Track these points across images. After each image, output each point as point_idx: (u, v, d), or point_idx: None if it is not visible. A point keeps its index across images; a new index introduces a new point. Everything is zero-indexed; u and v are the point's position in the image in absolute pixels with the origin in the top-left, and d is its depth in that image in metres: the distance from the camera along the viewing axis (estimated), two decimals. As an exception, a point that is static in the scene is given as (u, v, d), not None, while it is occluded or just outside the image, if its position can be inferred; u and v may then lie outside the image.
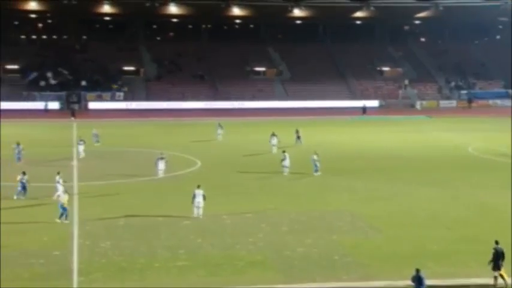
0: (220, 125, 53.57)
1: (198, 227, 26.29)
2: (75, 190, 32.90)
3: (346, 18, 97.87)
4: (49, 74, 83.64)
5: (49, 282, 20.13)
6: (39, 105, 77.84)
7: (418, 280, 18.70)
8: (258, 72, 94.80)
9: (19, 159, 40.47)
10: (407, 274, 19.42)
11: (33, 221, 26.70)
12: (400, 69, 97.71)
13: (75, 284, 19.96)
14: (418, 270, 18.83)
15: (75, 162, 40.87)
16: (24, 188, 30.83)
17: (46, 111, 74.45)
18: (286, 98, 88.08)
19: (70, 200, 27.94)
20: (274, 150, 45.14)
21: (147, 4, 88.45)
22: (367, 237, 25.41)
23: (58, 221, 26.27)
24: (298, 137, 49.66)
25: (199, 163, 41.99)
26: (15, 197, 30.51)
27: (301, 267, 21.91)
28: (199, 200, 27.47)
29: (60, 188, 29.93)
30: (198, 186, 27.80)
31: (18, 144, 41.01)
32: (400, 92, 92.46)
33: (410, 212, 29.51)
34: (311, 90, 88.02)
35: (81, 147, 42.93)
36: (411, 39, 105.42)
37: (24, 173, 31.24)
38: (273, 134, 46.74)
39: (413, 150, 48.74)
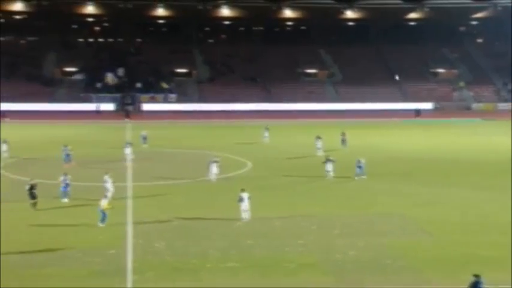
0: (266, 128, 53.67)
1: (249, 229, 26.51)
2: (129, 190, 33.65)
3: (399, 19, 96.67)
4: (110, 77, 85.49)
5: (105, 279, 20.69)
6: (94, 106, 79.83)
7: (476, 287, 17.80)
8: (309, 74, 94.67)
9: (67, 160, 40.70)
10: (462, 280, 19.08)
11: (86, 221, 27.23)
12: (455, 71, 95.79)
13: (129, 283, 20.42)
14: (477, 276, 17.88)
15: (128, 163, 41.73)
16: (66, 188, 30.62)
17: (98, 113, 76.08)
18: (337, 100, 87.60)
19: (115, 203, 28.48)
20: (319, 153, 44.94)
21: (200, 7, 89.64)
22: (419, 241, 25.08)
23: (100, 225, 26.46)
24: (344, 140, 49.03)
25: (249, 165, 42.32)
26: (62, 200, 30.43)
27: (353, 270, 21.83)
28: (245, 203, 27.53)
29: (109, 188, 30.61)
30: (243, 190, 27.82)
31: (65, 146, 41.41)
32: (455, 94, 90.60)
33: (463, 216, 28.97)
34: (362, 92, 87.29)
35: (128, 150, 43.34)
36: (467, 40, 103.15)
37: (66, 174, 31.22)
38: (318, 137, 46.48)
39: (468, 153, 47.76)
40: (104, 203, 26.61)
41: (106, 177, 31.45)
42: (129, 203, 30.81)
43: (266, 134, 53.14)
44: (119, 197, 31.79)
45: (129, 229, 26.33)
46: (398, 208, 30.54)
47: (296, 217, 28.60)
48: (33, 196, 29.08)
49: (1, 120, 65.55)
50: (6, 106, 74.93)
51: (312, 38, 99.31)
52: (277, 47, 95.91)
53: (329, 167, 36.85)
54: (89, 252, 23.16)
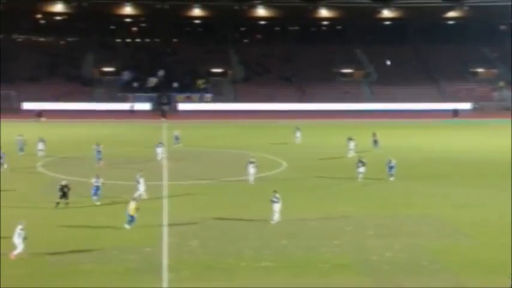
0: (298, 128, 53.38)
1: (283, 229, 26.46)
2: (165, 190, 33.95)
3: (438, 18, 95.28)
4: (152, 80, 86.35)
5: (141, 277, 20.91)
6: (128, 106, 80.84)
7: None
8: (345, 74, 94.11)
9: (99, 160, 40.64)
10: (501, 283, 18.69)
11: (121, 219, 27.34)
12: (495, 71, 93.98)
13: (165, 281, 20.60)
14: None
15: (164, 163, 42.10)
16: (97, 191, 30.20)
17: (132, 113, 76.79)
18: (373, 100, 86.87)
19: (148, 202, 28.70)
20: (351, 154, 44.51)
21: (236, 7, 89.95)
22: (457, 244, 24.67)
23: (127, 226, 26.01)
24: (375, 141, 48.31)
25: (284, 164, 42.27)
26: (96, 203, 30.23)
27: (389, 271, 21.59)
28: (277, 205, 27.22)
29: (141, 187, 30.78)
30: (275, 191, 27.58)
31: (98, 144, 41.36)
32: (495, 94, 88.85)
33: (501, 218, 28.34)
34: (399, 92, 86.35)
35: (160, 150, 43.00)
36: (508, 39, 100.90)
37: (97, 176, 30.66)
38: (350, 138, 45.93)
39: (506, 155, 46.65)
40: (131, 206, 26.11)
41: (138, 176, 31.43)
42: (165, 202, 31.09)
43: (298, 134, 52.89)
44: (154, 196, 32.13)
45: (165, 228, 26.56)
46: (434, 209, 30.10)
47: (330, 218, 28.44)
48: (64, 195, 29.35)
49: (37, 119, 66.88)
50: (45, 105, 76.59)
51: (348, 38, 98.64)
52: (312, 46, 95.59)
53: (361, 169, 36.27)
54: (125, 250, 23.43)
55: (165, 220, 27.66)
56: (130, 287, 20.01)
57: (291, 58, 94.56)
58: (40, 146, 43.87)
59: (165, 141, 46.57)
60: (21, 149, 44.37)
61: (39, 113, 69.09)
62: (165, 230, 26.19)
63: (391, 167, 36.59)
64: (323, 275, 21.46)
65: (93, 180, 30.53)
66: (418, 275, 21.28)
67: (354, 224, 27.39)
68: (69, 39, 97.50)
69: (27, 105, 75.65)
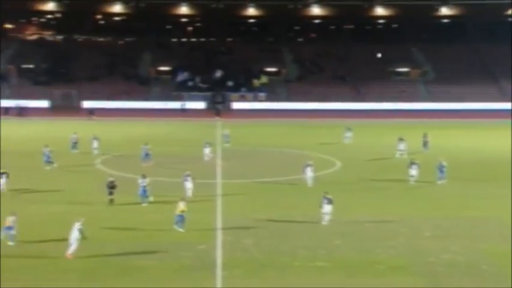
0: (348, 128, 52.63)
1: (337, 229, 26.27)
2: (218, 188, 34.22)
3: (499, 16, 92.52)
4: (199, 79, 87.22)
5: (195, 274, 21.15)
6: (185, 104, 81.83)
7: None
8: (401, 73, 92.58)
9: (146, 159, 40.19)
10: None
11: (172, 217, 27.85)
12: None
13: (219, 278, 20.78)
14: None
15: (218, 161, 42.42)
16: (144, 192, 29.90)
17: (183, 111, 77.65)
18: (430, 100, 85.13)
19: (198, 203, 28.81)
20: (401, 155, 43.67)
21: (291, 6, 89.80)
22: (518, 248, 23.90)
23: (176, 228, 25.59)
24: (425, 142, 46.86)
25: (338, 164, 41.97)
26: (143, 204, 29.85)
27: (446, 274, 21.14)
28: (328, 206, 26.72)
29: (188, 187, 30.83)
30: (326, 193, 27.17)
31: (146, 144, 41.08)
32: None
33: None
34: (457, 91, 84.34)
35: (207, 150, 42.54)
36: None
37: (144, 176, 30.27)
38: (401, 139, 44.97)
39: None
40: (181, 206, 25.72)
41: (185, 176, 31.39)
42: (219, 200, 31.34)
43: (348, 134, 52.12)
44: (208, 194, 32.42)
45: (218, 225, 26.77)
46: (494, 212, 29.28)
47: (384, 219, 28.06)
48: (111, 192, 29.72)
49: (90, 118, 68.33)
50: (103, 104, 78.52)
51: (404, 36, 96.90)
52: (367, 45, 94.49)
53: (413, 171, 35.10)
54: (180, 247, 23.72)
55: (219, 218, 27.88)
56: (185, 284, 20.22)
57: (346, 57, 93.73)
58: (95, 144, 44.61)
59: (218, 140, 46.80)
60: (74, 147, 45.10)
61: (91, 111, 70.61)
62: (219, 228, 26.40)
63: (441, 170, 35.47)
64: (378, 276, 21.20)
65: (139, 180, 30.16)
66: (477, 279, 20.75)
67: (409, 226, 26.94)
68: (127, 39, 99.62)
69: (86, 104, 77.59)
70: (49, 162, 39.00)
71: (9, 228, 23.35)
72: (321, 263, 22.37)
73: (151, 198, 30.14)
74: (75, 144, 45.17)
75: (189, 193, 30.87)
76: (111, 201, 29.81)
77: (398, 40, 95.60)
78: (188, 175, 31.51)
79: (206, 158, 42.12)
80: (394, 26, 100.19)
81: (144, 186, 29.85)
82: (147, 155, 40.54)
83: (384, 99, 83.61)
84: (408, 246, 24.22)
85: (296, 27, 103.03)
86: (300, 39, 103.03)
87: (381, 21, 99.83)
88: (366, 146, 50.25)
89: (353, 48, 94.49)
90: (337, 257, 23.04)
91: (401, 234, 25.70)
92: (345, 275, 21.26)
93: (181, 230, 25.46)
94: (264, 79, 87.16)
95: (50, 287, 19.85)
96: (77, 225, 22.12)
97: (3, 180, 31.97)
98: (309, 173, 34.62)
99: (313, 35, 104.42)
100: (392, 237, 25.23)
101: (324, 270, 21.66)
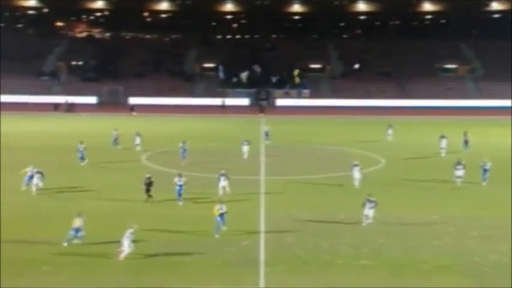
0: (390, 125, 51.78)
1: (381, 227, 25.98)
2: (262, 185, 34.26)
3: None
4: (244, 76, 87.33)
5: (238, 269, 21.27)
6: (230, 101, 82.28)
7: None
8: (448, 70, 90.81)
9: (183, 156, 39.91)
10: None
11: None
12: None
13: (261, 274, 20.84)
14: None
15: (262, 158, 42.49)
16: (180, 191, 29.41)
17: (223, 108, 77.94)
18: (479, 97, 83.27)
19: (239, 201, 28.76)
20: (441, 153, 43.00)
21: (336, 2, 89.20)
22: None
23: (223, 227, 24.91)
24: (466, 141, 45.74)
25: (382, 162, 41.51)
26: (179, 203, 29.39)
27: (493, 275, 20.68)
28: (368, 209, 26.12)
29: (222, 183, 30.56)
30: (369, 195, 26.54)
31: (183, 142, 40.56)
32: None
33: None
34: (507, 88, 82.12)
35: (246, 148, 41.84)
36: None
37: (180, 175, 29.87)
38: (443, 136, 44.18)
39: None
40: (220, 209, 24.72)
41: (220, 175, 30.98)
42: (262, 197, 31.40)
43: (390, 131, 51.34)
44: (251, 191, 32.49)
45: (261, 222, 26.83)
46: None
47: (429, 218, 27.62)
48: (148, 189, 29.57)
49: (130, 114, 69.34)
50: (148, 100, 79.77)
51: (452, 32, 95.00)
52: (414, 41, 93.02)
53: (460, 171, 33.96)
54: (223, 242, 23.88)
55: (262, 215, 27.94)
56: (228, 280, 20.35)
57: (391, 53, 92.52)
58: (137, 140, 45.00)
59: (261, 137, 46.72)
60: (115, 143, 45.55)
61: (132, 108, 71.56)
62: (262, 224, 26.46)
63: (485, 170, 34.20)
64: (423, 275, 20.89)
65: (175, 179, 29.67)
66: (525, 281, 20.21)
67: (454, 225, 26.45)
68: (173, 36, 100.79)
69: (132, 100, 78.87)
70: (82, 158, 39.16)
71: (78, 229, 23.13)
72: (364, 261, 22.18)
73: (180, 202, 29.52)
74: (116, 141, 45.61)
75: (221, 192, 30.59)
76: (149, 197, 29.75)
77: (446, 36, 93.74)
78: (223, 174, 30.96)
79: (245, 157, 41.64)
80: (442, 21, 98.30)
81: (181, 186, 29.40)
82: (184, 152, 40.13)
83: (430, 96, 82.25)
84: (454, 245, 23.79)
85: (341, 24, 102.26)
86: (345, 36, 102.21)
87: (428, 16, 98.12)
88: (409, 144, 49.50)
89: (399, 44, 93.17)
90: (381, 255, 22.80)
91: (447, 234, 25.26)
92: (388, 274, 21.02)
93: (216, 236, 24.43)
94: (296, 73, 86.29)
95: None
96: (129, 231, 22.05)
97: (35, 180, 31.07)
98: (357, 174, 33.56)
99: (358, 31, 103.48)
100: (438, 237, 24.82)
101: (367, 269, 21.48)
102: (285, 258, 22.38)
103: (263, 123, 59.31)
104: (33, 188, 31.03)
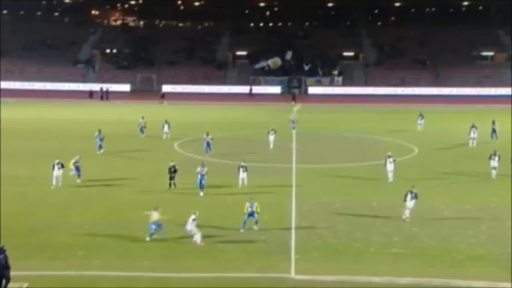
0: (421, 114, 50.87)
1: (414, 216, 25.70)
2: (293, 173, 34.20)
3: None
4: (271, 61, 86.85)
5: (270, 256, 21.31)
6: (262, 89, 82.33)
7: None
8: (486, 57, 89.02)
9: (207, 149, 38.14)
10: None
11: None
12: None
13: (292, 262, 20.86)
14: None
15: (293, 145, 42.40)
16: (202, 181, 29.01)
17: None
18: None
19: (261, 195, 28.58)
20: (473, 143, 42.26)
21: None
22: None
23: (255, 227, 24.06)
24: (494, 130, 44.66)
25: (415, 151, 41.05)
26: (200, 193, 29.05)
27: (528, 267, 20.33)
28: (410, 201, 25.42)
29: (242, 175, 30.37)
30: (413, 187, 25.95)
31: (207, 134, 38.61)
32: None
33: None
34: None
35: (272, 137, 40.99)
36: None
37: (203, 165, 29.62)
38: (473, 126, 43.21)
39: None
40: (250, 206, 23.75)
41: (240, 166, 30.72)
42: (293, 184, 31.37)
43: (420, 121, 50.35)
44: (284, 179, 32.46)
45: (293, 210, 26.83)
46: None
47: (464, 207, 27.29)
48: (172, 177, 29.50)
49: (161, 101, 69.71)
50: (180, 88, 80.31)
51: (490, 19, 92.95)
52: (450, 28, 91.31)
53: (495, 163, 32.97)
54: (255, 230, 23.92)
55: (293, 203, 27.92)
56: (260, 266, 20.42)
57: (426, 40, 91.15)
58: (165, 128, 44.94)
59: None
60: (142, 131, 45.55)
61: (162, 95, 71.90)
62: (293, 212, 26.46)
63: None
64: (456, 265, 20.66)
65: (198, 168, 29.35)
66: (562, 273, 19.80)
67: (490, 215, 26.06)
68: (206, 24, 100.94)
69: (165, 88, 79.39)
70: (100, 146, 39.04)
71: (157, 223, 22.54)
72: (397, 250, 22.02)
73: (202, 193, 29.14)
74: (142, 128, 45.70)
75: (240, 183, 30.45)
76: (172, 185, 29.68)
77: (484, 23, 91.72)
78: (242, 166, 30.71)
79: (271, 146, 40.76)
80: (480, 8, 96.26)
81: (203, 176, 29.00)
82: (208, 144, 38.25)
83: (466, 84, 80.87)
84: (489, 235, 23.45)
85: (375, 11, 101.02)
86: (379, 23, 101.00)
87: (466, 3, 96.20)
88: (441, 133, 48.69)
89: (434, 32, 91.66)
90: (414, 244, 22.61)
91: (482, 224, 24.90)
92: (421, 263, 20.84)
93: (241, 230, 23.75)
94: (335, 72, 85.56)
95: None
96: (192, 218, 22.26)
97: (56, 171, 29.93)
98: (390, 166, 32.47)
99: (392, 18, 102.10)
100: (473, 226, 24.49)
101: (399, 257, 21.32)
102: (316, 246, 22.36)
103: (296, 111, 58.99)
104: (74, 177, 31.11)
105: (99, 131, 39.70)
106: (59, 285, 18.63)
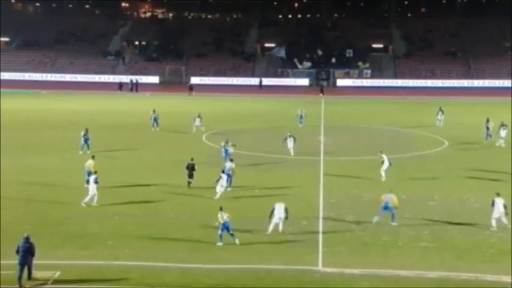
0: (440, 110, 48.37)
1: (444, 209, 25.49)
2: (321, 165, 34.09)
3: None
4: (303, 64, 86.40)
5: (297, 248, 21.33)
6: (290, 81, 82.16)
7: None
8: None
9: (226, 157, 32.31)
10: None
11: (276, 192, 28.07)
12: None
13: (320, 254, 20.84)
14: None
15: (321, 138, 42.25)
16: (227, 180, 27.67)
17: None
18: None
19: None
20: (501, 143, 39.70)
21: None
22: None
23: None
24: (488, 129, 41.22)
25: (446, 143, 40.57)
26: (217, 191, 27.40)
27: (561, 262, 19.97)
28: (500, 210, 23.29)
29: (290, 144, 31.01)
30: (498, 194, 23.93)
31: (226, 142, 34.08)
32: None
33: None
34: None
35: (291, 143, 35.98)
36: None
37: (231, 160, 29.43)
38: (503, 124, 40.18)
39: None
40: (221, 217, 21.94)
41: (288, 136, 31.84)
42: (321, 177, 31.29)
43: (440, 116, 47.94)
44: (310, 171, 32.38)
45: (321, 202, 26.79)
46: None
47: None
48: (191, 175, 28.70)
49: (190, 93, 69.90)
50: (208, 80, 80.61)
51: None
52: (481, 19, 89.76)
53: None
54: (283, 221, 23.92)
55: (321, 195, 27.87)
56: (287, 258, 20.46)
57: (457, 32, 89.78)
58: (197, 121, 44.29)
59: (322, 117, 46.17)
60: (156, 123, 44.88)
61: (191, 87, 72.00)
62: (321, 204, 26.42)
63: None
64: (487, 259, 20.43)
65: (222, 144, 31.39)
66: None
67: (522, 209, 25.59)
68: (234, 15, 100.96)
69: (194, 80, 79.67)
70: (85, 145, 36.36)
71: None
72: (426, 243, 21.86)
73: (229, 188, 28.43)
74: (155, 121, 44.86)
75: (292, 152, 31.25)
76: (189, 183, 28.73)
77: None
78: (290, 135, 31.27)
79: (292, 154, 35.77)
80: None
81: (229, 175, 28.10)
82: (226, 153, 33.30)
83: (499, 76, 79.45)
84: (521, 230, 23.09)
85: (405, 2, 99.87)
86: (409, 15, 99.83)
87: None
88: (473, 125, 47.52)
89: (466, 23, 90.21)
90: (443, 238, 22.40)
91: (513, 218, 24.50)
92: (450, 257, 20.64)
93: (219, 244, 21.75)
94: (363, 64, 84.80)
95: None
96: (281, 206, 22.54)
97: (92, 187, 26.15)
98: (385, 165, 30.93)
99: (423, 9, 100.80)
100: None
101: (428, 251, 21.16)
102: (344, 239, 22.31)
103: (323, 103, 58.78)
104: None
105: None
106: (89, 275, 18.93)
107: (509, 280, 18.72)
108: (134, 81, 75.39)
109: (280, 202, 23.03)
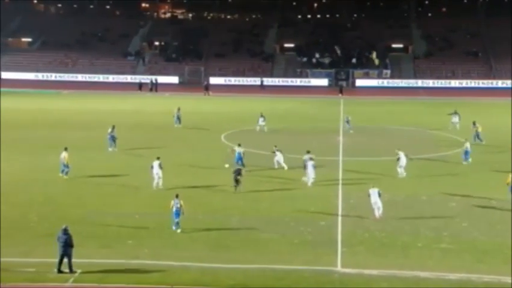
0: (456, 113, 47.07)
1: (464, 210, 25.28)
2: (340, 165, 33.96)
3: None
4: (317, 55, 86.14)
5: (316, 249, 21.34)
6: (309, 82, 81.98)
7: None
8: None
9: (239, 163, 31.92)
10: None
11: (297, 192, 28.15)
12: None
13: (338, 255, 20.81)
14: None
15: (340, 138, 42.12)
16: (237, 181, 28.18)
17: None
18: None
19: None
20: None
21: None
22: None
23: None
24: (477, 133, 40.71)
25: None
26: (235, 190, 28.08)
27: None
28: None
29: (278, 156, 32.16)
30: None
31: (238, 145, 33.37)
32: None
33: None
34: None
35: (310, 164, 30.48)
36: None
37: (239, 145, 31.87)
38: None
39: None
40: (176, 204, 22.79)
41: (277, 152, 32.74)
42: (340, 177, 31.19)
43: (454, 119, 46.41)
44: (329, 172, 32.30)
45: (339, 202, 26.73)
46: None
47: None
48: (237, 180, 28.25)
49: (206, 93, 69.99)
50: (227, 80, 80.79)
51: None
52: (503, 19, 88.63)
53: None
54: (302, 222, 24.01)
55: (340, 195, 27.81)
56: (306, 258, 20.45)
57: (479, 32, 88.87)
58: (260, 121, 44.67)
59: (341, 117, 45.97)
60: (177, 122, 45.59)
61: (206, 87, 71.98)
62: (340, 205, 26.36)
63: None
64: (508, 261, 20.17)
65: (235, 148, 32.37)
66: None
67: (544, 211, 25.28)
68: (253, 16, 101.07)
69: (213, 80, 79.78)
70: (113, 143, 36.67)
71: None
72: (446, 245, 21.71)
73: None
74: (178, 119, 45.80)
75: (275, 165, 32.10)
76: (236, 188, 28.34)
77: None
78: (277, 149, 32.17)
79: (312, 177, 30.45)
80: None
81: (238, 179, 28.07)
82: (240, 158, 32.38)
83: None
84: (544, 232, 22.80)
85: (426, 2, 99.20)
86: (429, 14, 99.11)
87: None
88: (495, 126, 46.87)
89: (488, 23, 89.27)
90: (463, 239, 22.23)
91: (536, 219, 24.22)
92: (471, 259, 20.47)
93: (174, 228, 22.89)
94: (374, 55, 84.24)
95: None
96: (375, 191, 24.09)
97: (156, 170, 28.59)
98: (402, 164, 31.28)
99: (443, 9, 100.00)
100: (526, 223, 23.88)
101: (448, 253, 21.01)
102: (363, 240, 22.25)
103: (342, 103, 58.50)
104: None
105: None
106: (109, 273, 19.10)
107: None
108: (154, 81, 75.78)
109: (374, 187, 24.48)
